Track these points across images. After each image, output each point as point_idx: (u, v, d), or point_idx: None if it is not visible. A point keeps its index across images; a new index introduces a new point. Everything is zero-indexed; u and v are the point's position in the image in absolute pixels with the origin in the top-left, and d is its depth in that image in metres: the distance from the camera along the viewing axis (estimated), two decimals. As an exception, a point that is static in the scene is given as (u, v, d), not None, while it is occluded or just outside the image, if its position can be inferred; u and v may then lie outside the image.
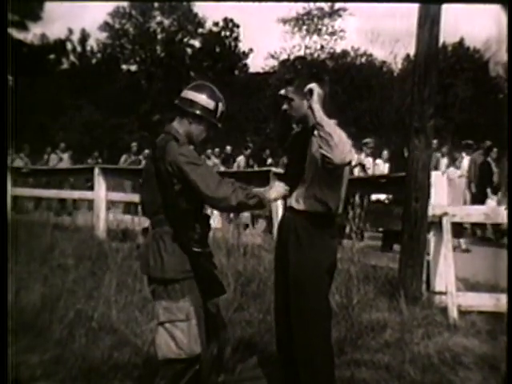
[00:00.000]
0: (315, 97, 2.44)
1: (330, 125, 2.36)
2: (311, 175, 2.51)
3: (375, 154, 9.55)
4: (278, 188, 2.44)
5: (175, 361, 2.27)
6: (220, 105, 2.46)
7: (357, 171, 8.44)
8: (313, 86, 2.47)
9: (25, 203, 10.18)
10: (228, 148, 12.15)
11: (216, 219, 8.86)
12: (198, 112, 2.40)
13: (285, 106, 2.60)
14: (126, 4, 32.32)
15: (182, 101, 2.44)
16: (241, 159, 10.89)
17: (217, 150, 11.93)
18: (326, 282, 2.58)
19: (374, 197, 7.67)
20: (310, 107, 2.44)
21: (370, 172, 8.42)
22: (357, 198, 6.37)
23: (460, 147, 9.43)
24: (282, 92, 2.60)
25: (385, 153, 9.88)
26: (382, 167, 9.12)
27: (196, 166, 2.28)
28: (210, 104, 2.42)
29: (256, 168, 9.60)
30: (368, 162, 8.76)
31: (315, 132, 2.41)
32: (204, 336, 2.33)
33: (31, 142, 12.76)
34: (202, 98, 2.41)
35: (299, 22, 28.91)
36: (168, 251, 2.30)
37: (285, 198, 2.56)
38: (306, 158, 2.53)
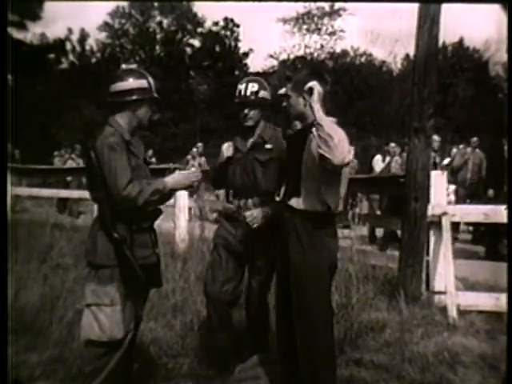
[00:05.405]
0: (315, 96, 2.38)
1: (330, 125, 2.30)
2: (309, 173, 2.47)
3: (443, 152, 8.94)
4: (176, 176, 2.41)
5: (96, 343, 2.31)
6: (150, 78, 2.46)
7: None
8: (313, 84, 2.41)
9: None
10: None
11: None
12: (138, 97, 2.39)
13: (284, 103, 2.60)
14: (125, 4, 32.39)
15: (115, 95, 2.42)
16: None
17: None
18: (327, 282, 2.56)
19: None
20: (310, 106, 2.39)
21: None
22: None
23: None
24: (281, 91, 2.60)
25: (454, 150, 9.17)
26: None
27: (114, 156, 2.26)
28: (143, 83, 2.42)
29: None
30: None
31: (314, 131, 2.36)
32: (129, 323, 2.35)
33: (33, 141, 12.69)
34: (134, 82, 2.41)
35: (299, 21, 28.97)
36: (102, 237, 2.33)
37: (191, 186, 2.47)
38: (303, 156, 2.50)
